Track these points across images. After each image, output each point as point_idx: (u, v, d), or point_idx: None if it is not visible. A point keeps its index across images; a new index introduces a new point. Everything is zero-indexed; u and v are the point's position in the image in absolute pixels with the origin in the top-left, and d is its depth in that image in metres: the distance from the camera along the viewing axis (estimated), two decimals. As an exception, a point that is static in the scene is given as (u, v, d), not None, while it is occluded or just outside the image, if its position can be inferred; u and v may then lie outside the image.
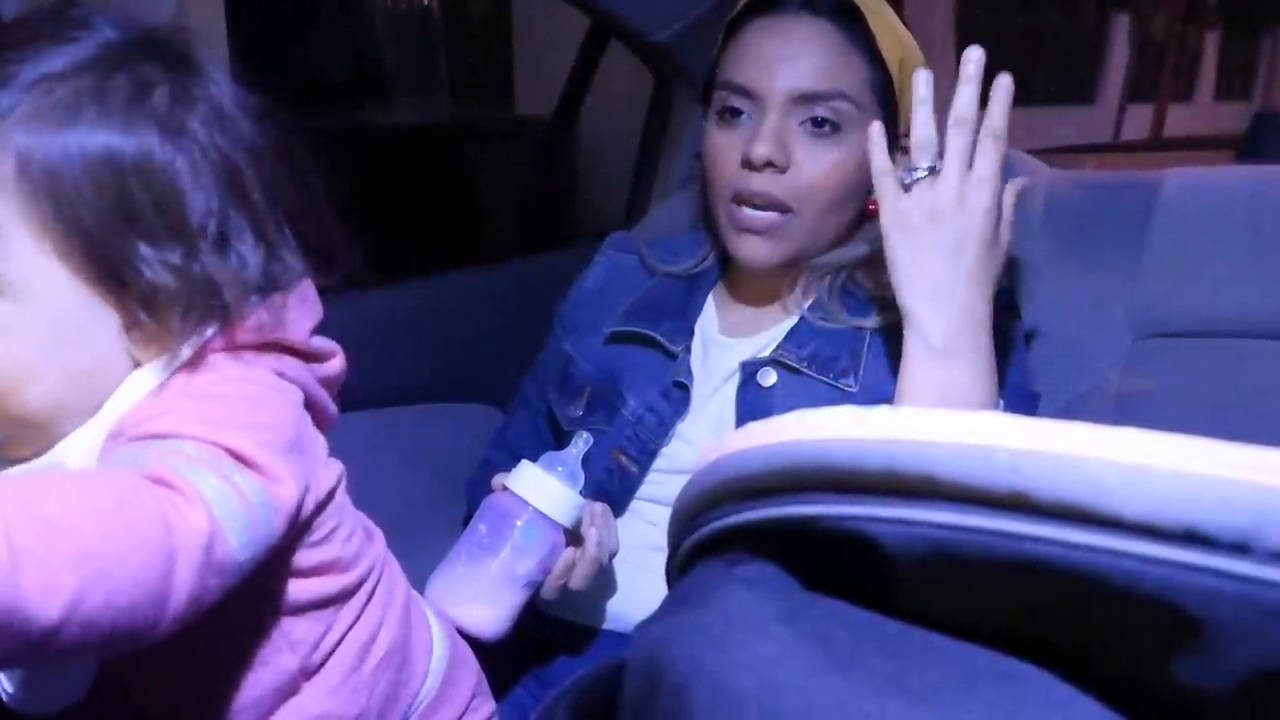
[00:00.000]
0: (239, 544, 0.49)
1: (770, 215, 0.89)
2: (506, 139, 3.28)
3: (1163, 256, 1.05)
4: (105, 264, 0.53)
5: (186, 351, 0.55)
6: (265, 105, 0.60)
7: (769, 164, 0.88)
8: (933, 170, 0.79)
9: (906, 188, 0.79)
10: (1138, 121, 10.45)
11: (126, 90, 0.54)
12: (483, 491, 0.89)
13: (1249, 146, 2.51)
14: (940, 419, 0.31)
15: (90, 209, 0.52)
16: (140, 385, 0.55)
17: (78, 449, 0.54)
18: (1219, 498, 0.26)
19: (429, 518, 1.14)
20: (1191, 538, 0.26)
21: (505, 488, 0.83)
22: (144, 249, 0.53)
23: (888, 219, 0.81)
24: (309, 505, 0.57)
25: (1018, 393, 0.88)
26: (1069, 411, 1.01)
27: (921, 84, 0.80)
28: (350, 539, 0.63)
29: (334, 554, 0.61)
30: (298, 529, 0.56)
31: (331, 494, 0.61)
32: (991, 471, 0.29)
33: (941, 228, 0.78)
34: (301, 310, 0.61)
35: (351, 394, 0.67)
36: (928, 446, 0.30)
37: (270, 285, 0.59)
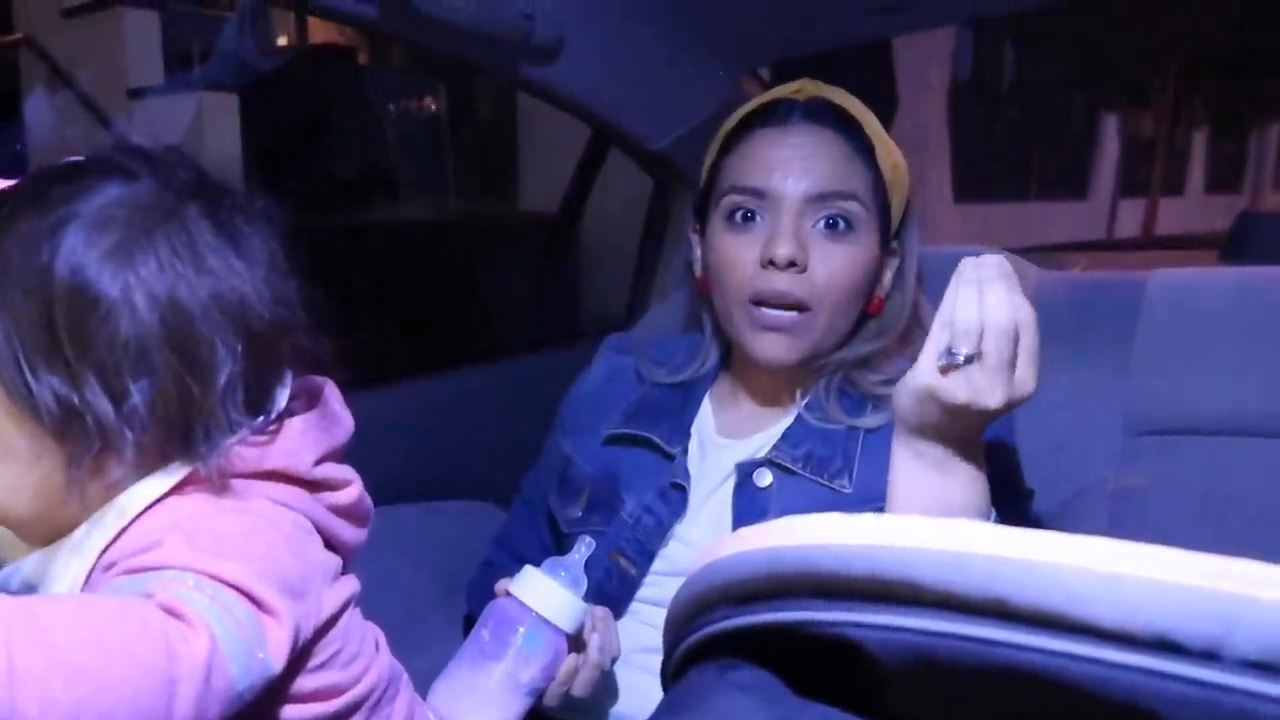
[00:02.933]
0: (238, 673, 0.49)
1: (791, 314, 0.91)
2: (510, 234, 3.34)
3: (1151, 355, 1.07)
4: (12, 387, 0.52)
5: (165, 481, 0.55)
6: (280, 211, 0.60)
7: (791, 263, 0.89)
8: (969, 359, 0.71)
9: (943, 370, 0.72)
10: (1130, 215, 10.61)
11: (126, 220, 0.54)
12: (484, 593, 0.89)
13: (1232, 246, 2.56)
14: (922, 526, 0.32)
15: (14, 322, 0.52)
16: (122, 513, 0.55)
17: (66, 578, 0.55)
18: (1188, 605, 0.27)
19: (430, 616, 1.14)
20: (1163, 645, 0.27)
21: (508, 593, 0.83)
22: (48, 378, 0.52)
23: (923, 380, 0.73)
24: (306, 633, 0.56)
25: (1010, 494, 0.88)
26: (1064, 509, 1.02)
27: (969, 269, 0.72)
28: (353, 661, 0.62)
29: (334, 679, 0.60)
30: (296, 656, 0.55)
31: (336, 617, 0.60)
32: (971, 578, 0.30)
33: (971, 414, 0.73)
34: (306, 439, 0.60)
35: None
36: (910, 553, 0.31)
37: (260, 416, 0.58)
